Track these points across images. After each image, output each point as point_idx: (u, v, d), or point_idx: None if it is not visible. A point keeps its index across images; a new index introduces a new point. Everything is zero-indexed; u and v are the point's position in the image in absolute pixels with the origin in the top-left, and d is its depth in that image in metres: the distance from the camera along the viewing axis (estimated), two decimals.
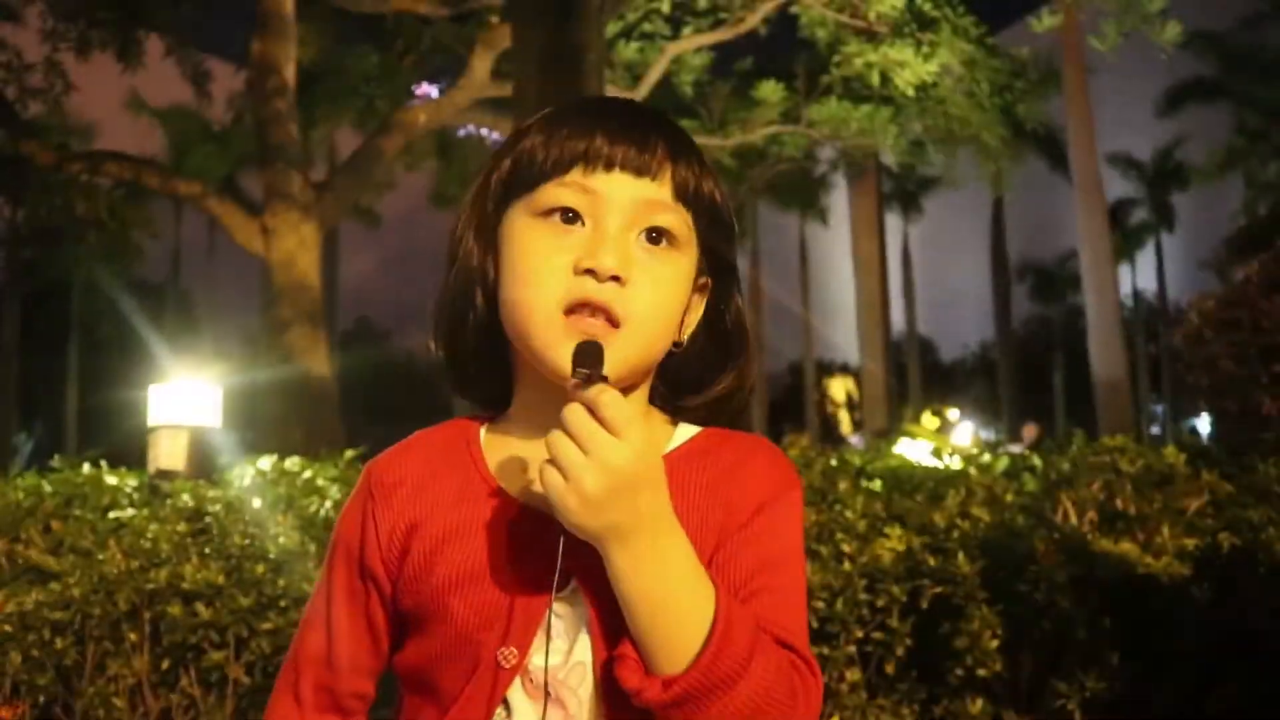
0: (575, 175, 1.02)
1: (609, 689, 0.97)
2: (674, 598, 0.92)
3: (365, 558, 1.07)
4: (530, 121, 1.09)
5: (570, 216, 1.01)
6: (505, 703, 0.99)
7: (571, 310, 0.98)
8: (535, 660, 0.99)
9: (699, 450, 1.06)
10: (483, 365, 1.09)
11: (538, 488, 1.01)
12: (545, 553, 0.99)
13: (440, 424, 1.15)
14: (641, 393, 1.07)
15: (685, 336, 1.09)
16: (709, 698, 0.90)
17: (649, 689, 0.91)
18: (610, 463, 0.89)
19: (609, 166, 1.02)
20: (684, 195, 1.04)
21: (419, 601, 1.03)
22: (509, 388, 1.10)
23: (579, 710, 0.98)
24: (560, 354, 0.97)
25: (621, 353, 0.99)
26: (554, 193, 1.02)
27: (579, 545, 0.97)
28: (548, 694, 0.98)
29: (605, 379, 0.92)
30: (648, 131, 1.04)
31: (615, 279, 0.98)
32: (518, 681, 0.99)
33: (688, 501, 0.99)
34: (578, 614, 1.00)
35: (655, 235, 1.02)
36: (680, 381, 1.10)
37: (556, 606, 1.00)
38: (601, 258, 0.98)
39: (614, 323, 0.99)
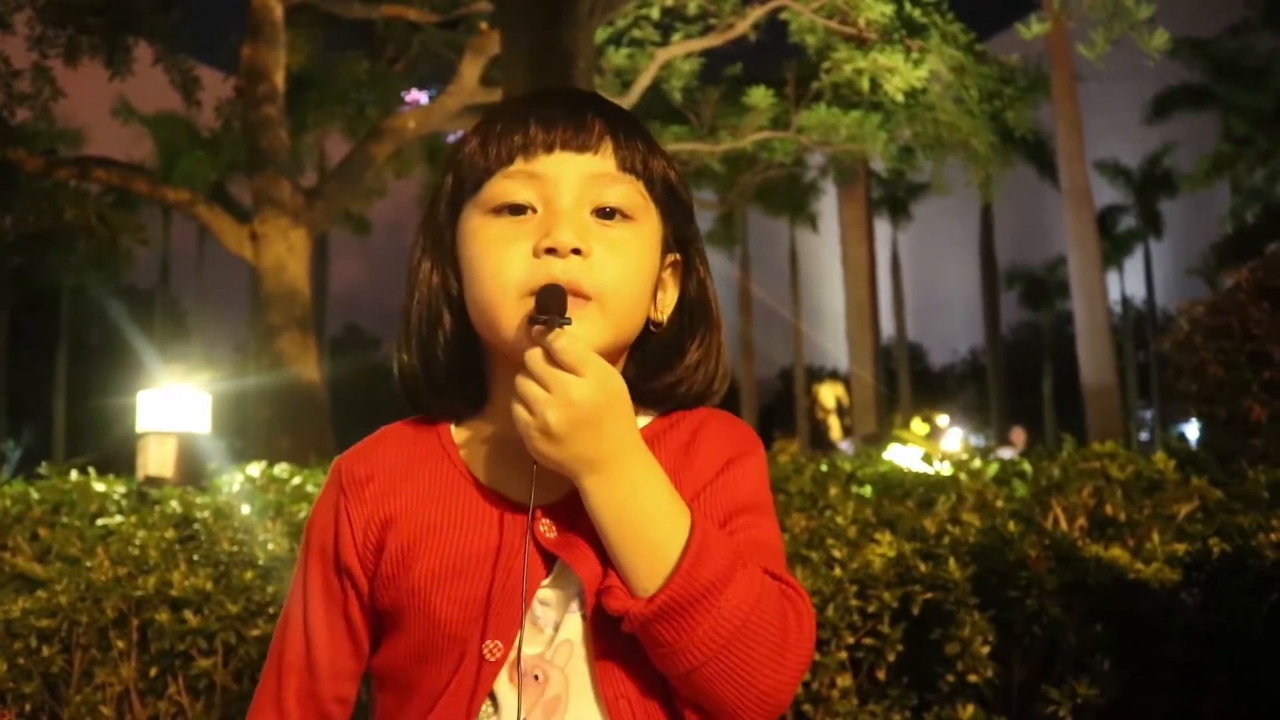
0: (518, 165, 1.01)
1: (601, 658, 0.97)
2: (648, 518, 0.93)
3: (340, 555, 1.05)
4: (467, 132, 1.09)
5: (520, 209, 1.01)
6: (491, 695, 0.98)
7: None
8: (522, 650, 0.97)
9: (657, 433, 1.06)
10: (456, 377, 1.08)
11: (515, 479, 1.02)
12: (525, 544, 0.98)
13: (408, 419, 1.13)
14: None
15: (663, 316, 1.09)
16: (694, 609, 0.90)
17: (634, 605, 0.92)
18: (571, 397, 0.91)
19: (549, 149, 1.01)
20: (630, 166, 1.04)
21: (397, 598, 1.01)
22: (481, 395, 1.09)
23: (564, 688, 0.97)
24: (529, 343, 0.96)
25: (596, 325, 0.98)
26: (501, 186, 1.02)
27: (559, 531, 0.98)
28: (535, 678, 0.97)
29: (568, 321, 0.94)
30: (583, 110, 1.04)
31: (576, 252, 0.98)
32: (503, 672, 0.98)
33: None
34: (565, 594, 0.99)
35: (608, 212, 1.01)
36: (656, 361, 1.09)
37: (543, 592, 0.99)
38: (558, 234, 0.98)
39: (583, 296, 0.98)
